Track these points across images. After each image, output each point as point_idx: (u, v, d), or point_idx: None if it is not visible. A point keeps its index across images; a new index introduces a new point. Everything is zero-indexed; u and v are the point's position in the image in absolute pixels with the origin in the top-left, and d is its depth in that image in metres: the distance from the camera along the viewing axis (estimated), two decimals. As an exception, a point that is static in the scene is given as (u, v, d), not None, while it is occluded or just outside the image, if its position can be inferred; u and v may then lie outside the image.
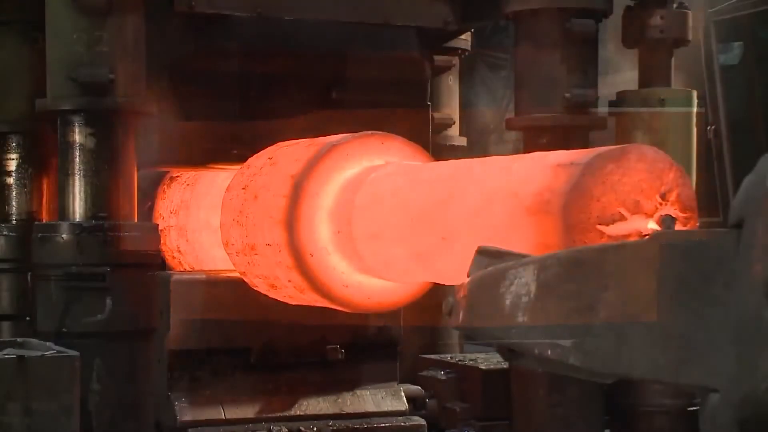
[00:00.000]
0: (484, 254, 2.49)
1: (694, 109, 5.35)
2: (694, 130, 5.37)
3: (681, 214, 3.54)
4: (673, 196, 3.54)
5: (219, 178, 5.36)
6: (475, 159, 4.42)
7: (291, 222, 4.35)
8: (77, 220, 4.50)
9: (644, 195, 3.52)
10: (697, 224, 3.62)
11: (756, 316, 1.88)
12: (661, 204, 3.51)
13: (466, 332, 2.55)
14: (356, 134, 4.50)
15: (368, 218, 4.36)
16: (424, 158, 4.59)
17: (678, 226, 3.51)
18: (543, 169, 3.67)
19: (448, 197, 4.06)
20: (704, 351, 2.00)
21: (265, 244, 4.49)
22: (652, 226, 3.48)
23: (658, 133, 5.22)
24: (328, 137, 4.60)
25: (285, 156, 4.59)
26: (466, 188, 4.00)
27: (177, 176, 5.63)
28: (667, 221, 3.47)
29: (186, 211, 5.61)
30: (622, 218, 3.47)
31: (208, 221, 5.44)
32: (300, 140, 4.77)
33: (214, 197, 5.32)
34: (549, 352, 2.22)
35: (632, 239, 3.37)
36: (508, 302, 2.32)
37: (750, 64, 8.89)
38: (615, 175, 3.49)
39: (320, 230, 4.43)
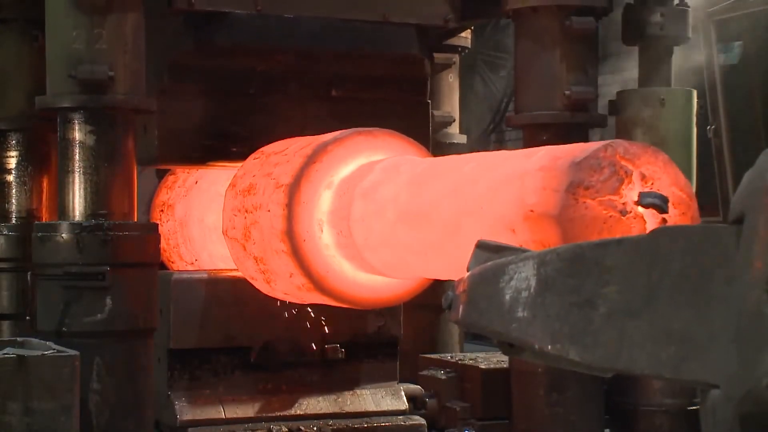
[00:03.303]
0: (484, 249, 2.49)
1: (694, 109, 5.34)
2: (694, 129, 5.36)
3: (642, 176, 3.48)
4: (619, 186, 3.47)
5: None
6: (471, 154, 4.42)
7: (292, 234, 4.36)
8: (77, 218, 4.49)
9: (617, 216, 3.47)
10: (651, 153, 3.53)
11: (756, 312, 1.88)
12: (624, 201, 3.46)
13: (466, 327, 2.54)
14: (347, 132, 4.49)
15: (366, 218, 4.36)
16: (424, 156, 4.58)
17: (645, 185, 3.47)
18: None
19: (447, 192, 4.06)
20: (705, 347, 2.00)
21: (272, 256, 4.50)
22: (642, 211, 3.45)
23: (658, 131, 5.21)
24: (320, 136, 4.59)
25: (277, 165, 4.58)
26: (466, 183, 3.99)
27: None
28: (644, 198, 3.43)
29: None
30: None
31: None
32: (290, 141, 4.75)
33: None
34: (549, 347, 2.22)
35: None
36: (507, 297, 2.32)
37: (750, 64, 8.88)
38: (582, 219, 3.47)
39: (322, 236, 4.43)
